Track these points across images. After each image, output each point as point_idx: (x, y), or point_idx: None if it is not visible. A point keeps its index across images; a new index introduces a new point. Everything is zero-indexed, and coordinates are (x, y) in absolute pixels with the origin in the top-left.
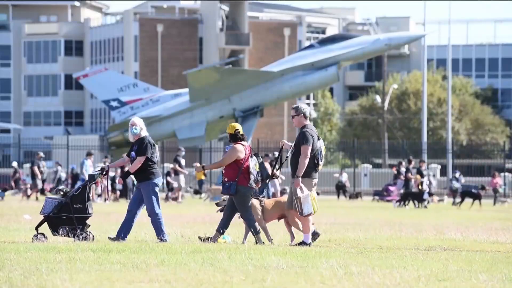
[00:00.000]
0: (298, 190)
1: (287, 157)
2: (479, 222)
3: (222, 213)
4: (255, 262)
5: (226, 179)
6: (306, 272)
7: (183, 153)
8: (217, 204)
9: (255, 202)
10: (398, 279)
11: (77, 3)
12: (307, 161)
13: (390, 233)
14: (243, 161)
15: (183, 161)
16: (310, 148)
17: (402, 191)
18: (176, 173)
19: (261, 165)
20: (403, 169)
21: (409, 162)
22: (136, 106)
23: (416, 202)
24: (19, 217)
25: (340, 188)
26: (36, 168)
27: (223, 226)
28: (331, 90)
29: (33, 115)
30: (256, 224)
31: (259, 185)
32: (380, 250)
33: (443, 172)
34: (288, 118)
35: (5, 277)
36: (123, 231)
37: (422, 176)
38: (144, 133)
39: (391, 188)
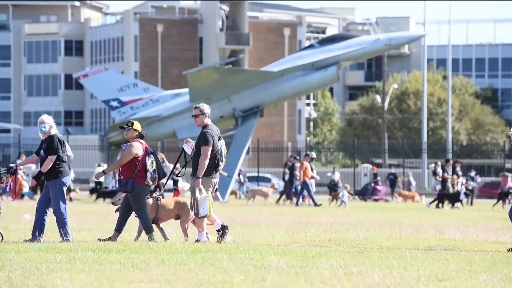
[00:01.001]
0: (197, 191)
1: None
2: (479, 222)
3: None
4: (255, 262)
5: (122, 177)
6: (306, 272)
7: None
8: (113, 203)
9: (151, 201)
10: (398, 279)
11: (77, 3)
12: (207, 162)
13: (390, 233)
14: (140, 159)
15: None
16: (210, 149)
17: (437, 191)
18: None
19: (158, 163)
20: (439, 170)
21: (447, 162)
22: (136, 106)
23: (452, 203)
24: (19, 217)
25: (332, 188)
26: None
27: (121, 225)
28: (331, 90)
29: (33, 115)
30: (150, 223)
31: (156, 183)
32: (380, 250)
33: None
34: (288, 118)
35: (5, 277)
36: (37, 231)
37: (457, 176)
38: (54, 131)
39: (379, 187)
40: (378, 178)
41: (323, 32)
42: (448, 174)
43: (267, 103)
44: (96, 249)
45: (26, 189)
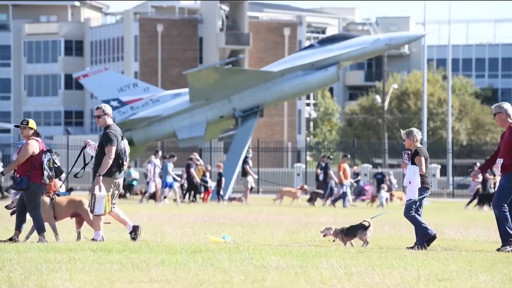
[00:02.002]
0: (97, 188)
1: (92, 156)
2: (479, 222)
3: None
4: (255, 262)
5: (17, 175)
6: (306, 272)
7: (251, 154)
8: (6, 207)
9: (46, 199)
10: (398, 279)
11: (77, 3)
12: (111, 161)
13: (390, 233)
14: (36, 157)
15: (251, 163)
16: (114, 148)
17: (472, 192)
18: (245, 174)
19: (54, 162)
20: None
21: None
22: (136, 106)
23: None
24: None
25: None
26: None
27: (20, 223)
28: (331, 90)
29: (33, 115)
30: (43, 223)
31: (52, 181)
32: (380, 250)
33: (443, 172)
34: (288, 118)
35: (5, 277)
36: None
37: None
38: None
39: (366, 187)
40: (359, 177)
41: (323, 32)
42: (489, 174)
43: (267, 103)
44: (96, 249)
45: (62, 190)
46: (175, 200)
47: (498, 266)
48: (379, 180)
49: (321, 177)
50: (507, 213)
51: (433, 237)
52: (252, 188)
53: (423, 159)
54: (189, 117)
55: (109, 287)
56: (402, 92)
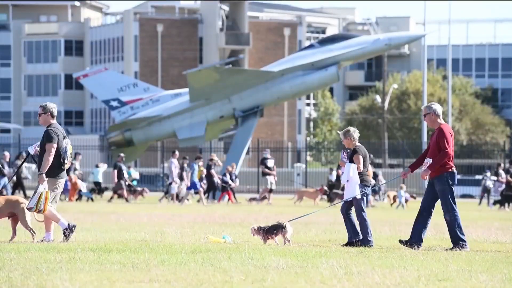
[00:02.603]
0: (41, 186)
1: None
2: (479, 222)
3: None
4: (255, 262)
5: None
6: (306, 272)
7: (268, 155)
8: None
9: None
10: (398, 279)
11: (77, 3)
12: (51, 158)
13: (390, 233)
14: None
15: (270, 163)
16: (54, 146)
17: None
18: (264, 174)
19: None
20: (501, 171)
21: (511, 163)
22: (136, 106)
23: None
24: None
25: (331, 188)
26: (117, 171)
27: None
28: (331, 90)
29: (33, 115)
30: None
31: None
32: (380, 250)
33: None
34: (288, 118)
35: (5, 277)
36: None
37: None
38: None
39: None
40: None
41: (323, 32)
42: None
43: (267, 103)
44: (96, 249)
45: (84, 189)
46: (198, 201)
47: (498, 266)
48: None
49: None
50: (458, 217)
51: (351, 243)
52: (271, 190)
53: (361, 157)
54: (189, 117)
55: (109, 287)
56: (402, 92)
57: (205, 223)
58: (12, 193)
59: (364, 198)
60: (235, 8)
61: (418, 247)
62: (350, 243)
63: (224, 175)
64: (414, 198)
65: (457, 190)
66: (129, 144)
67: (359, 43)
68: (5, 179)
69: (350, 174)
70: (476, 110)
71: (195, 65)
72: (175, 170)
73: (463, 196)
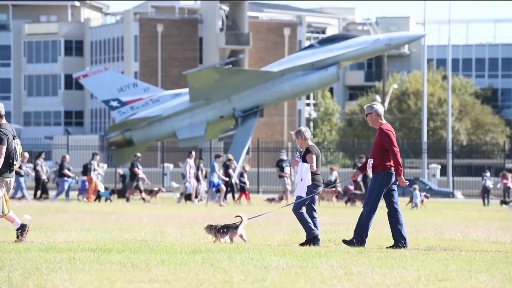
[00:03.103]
0: (0, 191)
1: None
2: (479, 222)
3: None
4: (255, 262)
5: None
6: (306, 272)
7: (284, 158)
8: None
9: None
10: (398, 279)
11: (77, 3)
12: (1, 160)
13: (390, 233)
14: None
15: (286, 167)
16: (4, 147)
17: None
18: (280, 176)
19: None
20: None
21: None
22: (136, 106)
23: None
24: (19, 217)
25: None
26: (137, 170)
27: None
28: (331, 90)
29: (33, 115)
30: None
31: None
32: (380, 250)
33: (443, 172)
34: (288, 118)
35: (5, 277)
36: None
37: None
38: None
39: (351, 187)
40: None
41: (323, 32)
42: None
43: (267, 103)
44: (96, 249)
45: (102, 190)
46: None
47: (498, 266)
48: (363, 180)
49: (359, 178)
50: (373, 217)
51: (314, 238)
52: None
53: (314, 156)
54: (189, 117)
55: (109, 287)
56: (402, 92)
57: (205, 223)
58: (35, 193)
59: (315, 197)
60: (235, 8)
61: (405, 247)
62: (310, 240)
63: (242, 175)
64: (428, 197)
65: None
66: (129, 144)
67: (359, 43)
68: (22, 179)
69: (304, 173)
70: (476, 110)
71: (195, 65)
72: (191, 171)
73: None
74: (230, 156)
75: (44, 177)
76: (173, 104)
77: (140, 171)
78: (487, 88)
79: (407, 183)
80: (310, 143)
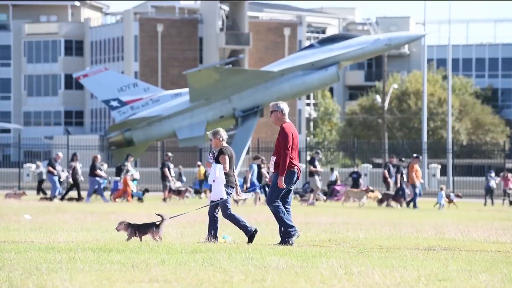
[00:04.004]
0: None
1: None
2: (479, 222)
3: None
4: (255, 262)
5: None
6: (306, 272)
7: (320, 156)
8: None
9: None
10: (398, 279)
11: (77, 3)
12: None
13: (390, 233)
14: None
15: (318, 165)
16: None
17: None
18: (312, 174)
19: None
20: None
21: None
22: (136, 106)
23: None
24: (19, 217)
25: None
26: (166, 170)
27: None
28: (331, 90)
29: (33, 115)
30: None
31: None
32: (380, 250)
33: (443, 172)
34: (288, 118)
35: (5, 277)
36: None
37: None
38: None
39: (338, 187)
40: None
41: (323, 32)
42: None
43: (267, 103)
44: (96, 249)
45: (135, 190)
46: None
47: (498, 266)
48: (355, 179)
49: (393, 179)
50: (281, 207)
51: (254, 232)
52: (312, 190)
53: (227, 157)
54: (189, 117)
55: (109, 287)
56: (402, 92)
57: (205, 223)
58: (65, 194)
59: (229, 197)
60: (235, 8)
61: (297, 235)
62: (251, 236)
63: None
64: (460, 197)
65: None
66: (129, 144)
67: (359, 43)
68: (57, 179)
69: (217, 174)
70: (476, 110)
71: (195, 65)
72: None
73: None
74: (260, 156)
75: (82, 178)
76: (173, 104)
77: (168, 172)
78: (487, 88)
79: (284, 186)
80: (224, 144)
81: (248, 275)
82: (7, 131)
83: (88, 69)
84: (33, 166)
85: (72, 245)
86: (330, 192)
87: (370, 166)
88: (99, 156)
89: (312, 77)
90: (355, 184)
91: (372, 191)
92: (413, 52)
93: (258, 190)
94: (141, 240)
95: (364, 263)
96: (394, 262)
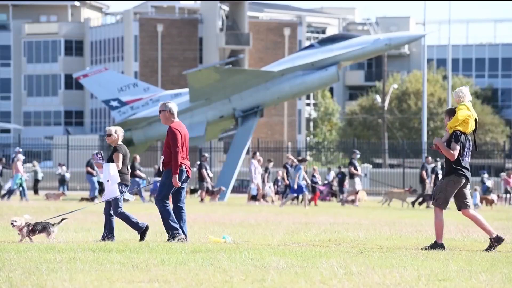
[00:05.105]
0: None
1: None
2: None
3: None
4: (255, 262)
5: None
6: (306, 272)
7: (358, 155)
8: None
9: None
10: (398, 279)
11: (77, 3)
12: None
13: (390, 233)
14: None
15: (358, 164)
16: None
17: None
18: (352, 176)
19: None
20: None
21: None
22: (136, 106)
23: None
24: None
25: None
26: (204, 171)
27: None
28: (331, 90)
29: (33, 115)
30: None
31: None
32: (380, 250)
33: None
34: (288, 118)
35: (5, 277)
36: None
37: None
38: None
39: (321, 188)
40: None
41: (323, 32)
42: None
43: (267, 103)
44: (96, 249)
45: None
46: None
47: (498, 266)
48: (341, 180)
49: (429, 180)
50: (169, 207)
51: (145, 229)
52: (358, 191)
53: (121, 155)
54: (189, 117)
55: (109, 287)
56: (402, 92)
57: (205, 223)
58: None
59: (122, 196)
60: (235, 8)
61: (180, 239)
62: (144, 231)
63: (314, 176)
64: (500, 197)
65: None
66: (129, 144)
67: (359, 43)
68: (96, 180)
69: (111, 173)
70: (476, 110)
71: (195, 65)
72: (256, 171)
73: None
74: (291, 156)
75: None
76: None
77: (205, 172)
78: (487, 88)
79: (179, 184)
80: (119, 142)
81: (248, 275)
82: (7, 131)
83: (88, 69)
84: (30, 165)
85: (72, 245)
86: (314, 191)
87: (370, 166)
88: (138, 157)
89: (312, 77)
90: (341, 185)
91: (415, 190)
92: (413, 52)
93: (305, 192)
94: (21, 240)
95: (364, 263)
96: (394, 262)
